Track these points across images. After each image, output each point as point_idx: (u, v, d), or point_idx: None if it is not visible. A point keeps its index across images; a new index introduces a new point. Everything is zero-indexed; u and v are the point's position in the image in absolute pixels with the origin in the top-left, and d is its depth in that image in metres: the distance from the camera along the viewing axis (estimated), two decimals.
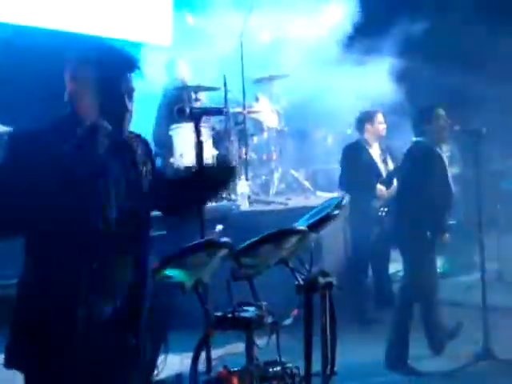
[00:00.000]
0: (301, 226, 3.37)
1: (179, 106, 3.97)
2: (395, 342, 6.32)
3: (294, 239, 3.27)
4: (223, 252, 3.09)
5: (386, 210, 7.53)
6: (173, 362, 3.14)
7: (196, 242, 3.06)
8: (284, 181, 9.50)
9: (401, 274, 7.06)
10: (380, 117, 8.08)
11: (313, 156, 10.53)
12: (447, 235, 6.51)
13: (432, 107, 6.49)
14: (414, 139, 6.56)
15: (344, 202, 3.65)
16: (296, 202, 8.33)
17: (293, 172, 9.57)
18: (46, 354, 2.97)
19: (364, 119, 8.18)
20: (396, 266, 7.93)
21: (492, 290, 7.62)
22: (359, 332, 7.18)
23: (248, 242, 3.16)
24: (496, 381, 5.90)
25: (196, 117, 3.90)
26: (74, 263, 2.92)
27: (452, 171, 7.69)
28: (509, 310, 7.59)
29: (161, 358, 5.54)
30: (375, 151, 8.15)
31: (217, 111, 4.35)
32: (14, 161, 2.92)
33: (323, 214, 3.49)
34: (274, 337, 3.37)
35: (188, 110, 3.91)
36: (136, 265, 3.06)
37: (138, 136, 3.26)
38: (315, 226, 3.41)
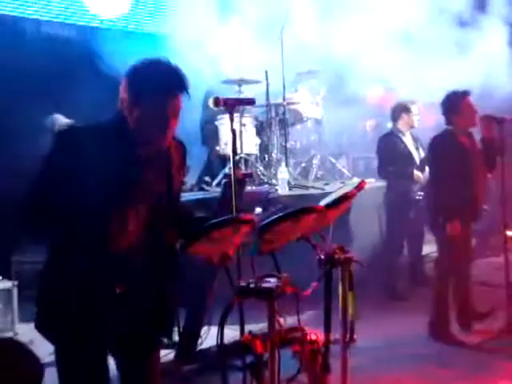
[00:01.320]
0: (319, 204, 3.45)
1: (214, 96, 4.03)
2: (436, 314, 6.42)
3: (311, 217, 3.34)
4: (247, 228, 3.15)
5: (421, 194, 7.63)
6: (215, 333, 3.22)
7: (221, 218, 3.11)
8: (323, 167, 9.56)
9: (434, 255, 7.09)
10: (415, 108, 8.16)
11: (354, 144, 10.59)
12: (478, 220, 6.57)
13: (460, 96, 6.49)
14: (445, 127, 6.62)
15: (361, 184, 3.71)
16: (333, 187, 8.38)
17: (331, 159, 9.61)
18: (73, 324, 3.11)
19: (401, 109, 8.27)
20: (431, 248, 7.99)
21: None
22: (391, 307, 7.34)
23: (269, 219, 3.23)
24: None
25: (229, 106, 3.95)
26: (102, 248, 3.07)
27: None
28: None
29: (204, 329, 5.72)
30: (408, 140, 8.21)
31: (248, 101, 4.43)
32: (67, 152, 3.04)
33: (341, 194, 3.58)
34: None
35: (222, 100, 3.96)
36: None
37: (180, 143, 3.41)
38: (332, 205, 3.49)
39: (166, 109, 3.11)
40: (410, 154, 8.16)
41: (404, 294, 7.88)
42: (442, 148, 6.51)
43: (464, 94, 6.47)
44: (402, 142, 8.20)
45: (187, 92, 3.15)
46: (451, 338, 6.33)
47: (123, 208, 3.09)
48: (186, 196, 6.92)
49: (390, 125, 8.58)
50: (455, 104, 6.47)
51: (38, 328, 3.25)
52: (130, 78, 3.15)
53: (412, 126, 8.29)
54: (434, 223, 6.57)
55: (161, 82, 3.11)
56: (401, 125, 8.25)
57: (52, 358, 5.62)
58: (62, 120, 7.76)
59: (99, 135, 3.10)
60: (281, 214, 3.23)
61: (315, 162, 9.49)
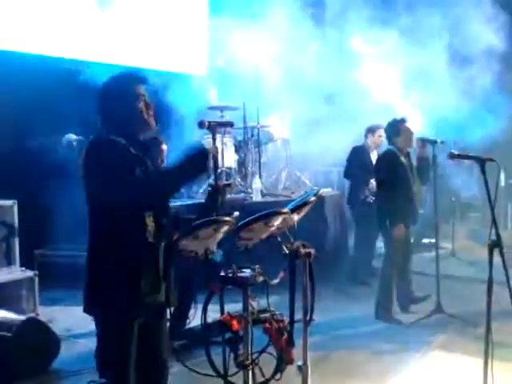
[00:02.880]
0: (285, 208, 3.45)
1: (199, 119, 3.99)
2: (381, 298, 6.44)
3: (279, 218, 3.35)
4: (226, 227, 3.16)
5: (373, 198, 7.58)
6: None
7: (205, 219, 3.10)
8: (290, 179, 9.55)
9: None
10: (380, 131, 7.86)
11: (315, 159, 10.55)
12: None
13: (400, 121, 6.51)
14: (387, 147, 6.66)
15: (320, 192, 3.73)
16: (298, 195, 8.34)
17: (296, 172, 9.62)
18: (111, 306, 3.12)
19: (367, 130, 8.25)
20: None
21: (446, 263, 7.75)
22: (348, 293, 7.43)
23: (244, 220, 3.23)
24: (444, 328, 6.02)
25: (212, 128, 3.91)
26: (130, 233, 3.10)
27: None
28: (458, 277, 7.70)
29: (191, 312, 5.68)
30: (374, 156, 8.12)
31: (228, 124, 4.40)
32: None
33: (303, 200, 3.59)
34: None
35: (206, 123, 3.92)
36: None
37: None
38: (296, 209, 3.50)
39: (140, 97, 3.19)
40: (371, 165, 8.03)
41: (363, 280, 7.85)
42: (385, 165, 6.52)
43: (403, 120, 6.49)
44: (368, 155, 8.15)
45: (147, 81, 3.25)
46: (392, 318, 6.35)
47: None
48: (177, 202, 6.90)
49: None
50: (396, 128, 6.50)
51: (91, 304, 3.20)
52: (104, 91, 3.23)
53: (377, 146, 8.13)
54: (381, 225, 6.56)
55: (126, 80, 3.23)
56: (369, 142, 8.23)
57: (67, 334, 5.67)
58: (73, 137, 7.75)
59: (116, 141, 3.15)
60: (253, 216, 3.24)
61: (283, 174, 9.49)
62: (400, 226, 6.31)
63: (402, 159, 6.44)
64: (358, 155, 8.18)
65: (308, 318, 3.61)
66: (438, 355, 5.38)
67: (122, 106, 3.18)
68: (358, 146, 8.32)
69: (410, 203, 6.41)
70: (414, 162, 6.62)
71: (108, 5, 9.03)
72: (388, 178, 6.40)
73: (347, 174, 8.39)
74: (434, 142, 6.44)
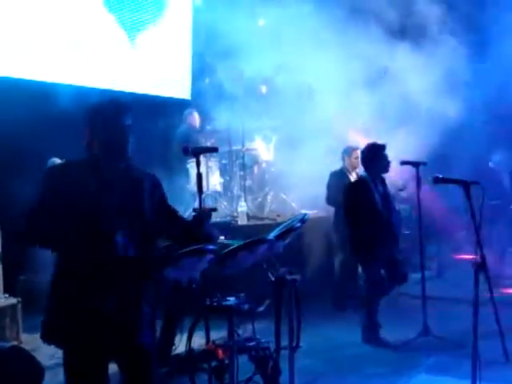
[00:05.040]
0: (269, 236, 3.42)
1: (184, 145, 3.98)
2: (368, 322, 6.40)
3: (264, 246, 3.31)
4: (210, 256, 3.10)
5: None
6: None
7: (188, 248, 3.05)
8: (275, 201, 9.53)
9: None
10: (357, 153, 7.73)
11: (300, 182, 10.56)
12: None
13: (380, 147, 6.51)
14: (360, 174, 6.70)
15: (307, 217, 3.69)
16: (284, 218, 8.32)
17: (282, 195, 9.60)
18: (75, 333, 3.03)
19: (344, 152, 8.16)
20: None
21: (432, 284, 7.74)
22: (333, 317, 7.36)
23: (228, 248, 3.20)
24: (432, 350, 5.99)
25: (196, 154, 3.88)
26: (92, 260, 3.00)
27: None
28: (444, 299, 7.69)
29: (177, 338, 5.63)
30: (353, 177, 8.05)
31: (212, 149, 4.38)
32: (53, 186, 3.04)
33: (288, 226, 3.55)
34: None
35: (190, 149, 3.90)
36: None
37: (151, 175, 3.36)
38: (281, 236, 3.46)
39: (119, 129, 3.13)
40: None
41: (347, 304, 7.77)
42: (353, 193, 6.53)
43: (384, 147, 6.50)
44: (348, 178, 7.94)
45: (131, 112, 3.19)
46: (380, 341, 6.32)
47: (99, 226, 3.02)
48: None
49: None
50: (375, 153, 6.50)
51: (46, 335, 3.15)
52: (87, 117, 3.19)
53: (355, 167, 8.02)
54: (354, 252, 6.60)
55: (111, 110, 3.17)
56: (346, 164, 8.15)
57: (51, 362, 5.58)
58: (57, 161, 7.69)
59: (74, 169, 3.11)
60: (237, 245, 3.21)
61: (269, 197, 9.47)
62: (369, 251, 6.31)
63: (372, 186, 6.43)
64: (336, 180, 7.98)
65: (294, 344, 3.58)
66: (425, 378, 5.36)
67: (105, 134, 3.15)
68: (335, 170, 8.17)
69: (380, 231, 6.35)
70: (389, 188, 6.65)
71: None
72: (354, 205, 6.41)
73: (328, 200, 8.17)
74: (416, 164, 6.45)
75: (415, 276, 8.18)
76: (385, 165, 6.50)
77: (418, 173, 6.44)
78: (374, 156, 6.48)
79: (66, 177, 3.05)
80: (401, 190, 7.15)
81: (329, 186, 8.09)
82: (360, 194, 6.40)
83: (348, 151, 8.11)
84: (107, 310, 3.00)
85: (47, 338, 3.14)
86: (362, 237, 6.34)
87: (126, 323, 3.07)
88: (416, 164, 6.43)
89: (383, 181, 6.59)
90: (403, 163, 6.52)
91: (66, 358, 3.12)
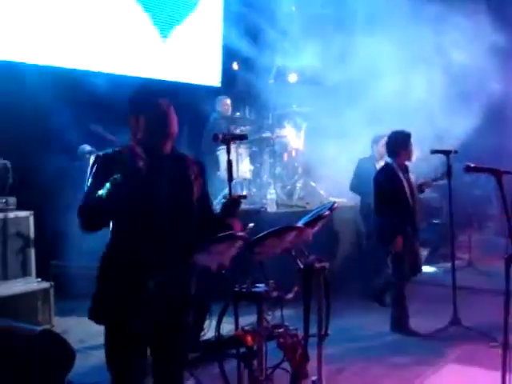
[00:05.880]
0: (299, 223, 3.43)
1: (214, 132, 3.97)
2: (397, 311, 6.40)
3: (292, 234, 3.32)
4: (240, 243, 3.14)
5: None
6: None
7: (219, 235, 3.08)
8: (304, 189, 9.51)
9: None
10: (384, 141, 7.78)
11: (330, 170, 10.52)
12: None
13: (407, 135, 6.48)
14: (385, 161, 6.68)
15: (335, 205, 3.69)
16: (312, 206, 8.31)
17: (311, 182, 9.58)
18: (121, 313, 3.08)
19: (373, 140, 8.16)
20: None
21: (463, 273, 7.67)
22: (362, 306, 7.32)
23: (257, 235, 3.21)
24: (461, 341, 5.97)
25: (226, 141, 3.88)
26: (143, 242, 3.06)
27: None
28: (475, 289, 7.62)
29: (206, 324, 5.68)
30: (379, 166, 8.00)
31: (242, 136, 4.37)
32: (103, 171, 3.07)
33: (317, 214, 3.56)
34: None
35: (220, 136, 3.90)
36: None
37: (198, 161, 3.40)
38: (310, 224, 3.47)
39: (165, 116, 3.17)
40: None
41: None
42: (384, 179, 6.49)
43: (410, 136, 6.47)
44: (374, 166, 7.89)
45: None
46: (408, 330, 6.29)
47: (150, 212, 3.07)
48: None
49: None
50: (403, 141, 6.47)
51: (95, 314, 3.19)
52: (130, 105, 3.23)
53: (382, 155, 7.79)
54: (381, 239, 6.57)
55: (151, 95, 3.23)
56: (374, 152, 8.13)
57: (81, 346, 5.67)
58: (87, 148, 7.81)
59: (120, 156, 3.10)
60: (266, 232, 3.22)
61: (298, 185, 9.44)
62: (399, 238, 6.26)
63: (400, 174, 6.42)
64: (364, 167, 7.98)
65: (323, 332, 3.59)
66: (454, 368, 5.33)
67: (148, 118, 3.16)
68: (364, 157, 8.21)
69: (408, 216, 6.37)
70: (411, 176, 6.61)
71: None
72: (387, 192, 6.37)
73: (352, 186, 8.21)
74: (447, 153, 6.39)
75: (446, 266, 8.16)
76: (410, 153, 6.49)
77: (448, 161, 6.39)
78: (401, 144, 6.46)
79: (113, 164, 3.05)
80: (435, 180, 7.02)
81: (356, 173, 8.10)
82: (390, 180, 6.38)
83: (376, 139, 8.08)
84: (155, 286, 3.05)
85: (96, 317, 3.18)
86: (390, 223, 6.31)
87: (171, 301, 3.13)
88: (447, 152, 6.37)
89: (407, 169, 6.57)
90: (434, 152, 6.45)
91: (110, 335, 3.18)
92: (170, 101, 3.23)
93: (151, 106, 3.17)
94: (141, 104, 3.20)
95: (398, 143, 6.48)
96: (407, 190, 6.39)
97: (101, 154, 3.18)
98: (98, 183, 3.03)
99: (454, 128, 8.25)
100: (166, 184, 3.15)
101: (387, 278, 6.99)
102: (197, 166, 3.34)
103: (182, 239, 3.13)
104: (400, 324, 6.34)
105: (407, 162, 6.57)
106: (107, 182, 2.96)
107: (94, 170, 3.13)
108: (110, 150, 3.18)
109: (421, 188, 6.75)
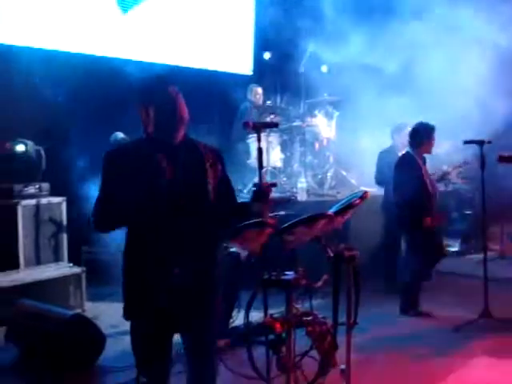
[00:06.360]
0: (329, 211, 3.41)
1: (244, 120, 3.96)
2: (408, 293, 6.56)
3: (322, 222, 3.31)
4: (269, 230, 3.11)
5: None
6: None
7: (248, 222, 3.07)
8: (335, 179, 9.49)
9: None
10: (406, 131, 7.50)
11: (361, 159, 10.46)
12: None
13: (432, 128, 6.53)
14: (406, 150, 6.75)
15: (365, 195, 3.66)
16: (343, 195, 8.27)
17: (342, 172, 9.55)
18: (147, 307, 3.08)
19: (395, 130, 8.03)
20: None
21: (494, 265, 7.59)
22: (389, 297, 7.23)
23: (288, 223, 3.21)
24: (491, 333, 5.91)
25: (256, 129, 3.87)
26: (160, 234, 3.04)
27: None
28: (506, 281, 7.55)
29: (235, 311, 5.71)
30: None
31: (272, 124, 4.36)
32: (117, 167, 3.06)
33: (347, 203, 3.54)
34: None
35: (251, 124, 3.88)
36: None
37: (213, 149, 3.33)
38: (340, 212, 3.45)
39: (174, 103, 3.11)
40: None
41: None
42: (405, 167, 6.58)
43: (434, 128, 6.55)
44: (397, 156, 7.79)
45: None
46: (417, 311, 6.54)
47: (164, 203, 3.03)
48: None
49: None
50: (428, 133, 6.53)
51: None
52: (138, 96, 3.18)
53: (405, 145, 7.58)
54: (402, 225, 6.66)
55: (157, 83, 3.19)
56: (396, 143, 8.03)
57: (112, 331, 5.74)
58: (120, 136, 7.82)
59: (133, 150, 3.12)
60: (297, 219, 3.21)
61: (329, 174, 9.43)
62: (426, 218, 6.34)
63: (420, 162, 6.56)
64: (386, 158, 7.80)
65: (352, 320, 3.58)
66: (483, 361, 5.28)
67: (157, 107, 3.12)
68: (385, 149, 8.05)
69: (428, 203, 6.46)
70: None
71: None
72: (407, 178, 6.41)
73: (377, 180, 8.06)
74: (481, 143, 6.31)
75: (477, 257, 8.08)
76: (431, 146, 6.58)
77: (482, 152, 6.31)
78: (426, 135, 6.54)
79: (127, 159, 3.05)
80: (460, 166, 6.99)
81: (378, 166, 7.99)
82: (411, 167, 6.45)
83: (398, 129, 7.96)
84: (177, 278, 3.04)
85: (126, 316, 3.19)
86: (411, 210, 6.36)
87: (195, 293, 3.11)
88: (480, 142, 6.28)
89: (425, 160, 6.66)
90: (467, 142, 6.38)
91: (136, 326, 3.18)
92: (179, 88, 3.16)
93: (159, 95, 3.12)
94: (149, 95, 3.14)
95: (424, 134, 6.57)
96: (426, 178, 6.50)
97: (111, 151, 3.17)
98: (112, 185, 3.03)
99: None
100: (181, 173, 3.10)
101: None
102: (212, 154, 3.26)
103: (199, 228, 3.10)
104: (409, 306, 6.52)
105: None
106: (121, 180, 2.97)
107: (105, 172, 3.09)
108: (121, 146, 3.17)
109: (443, 177, 6.75)
